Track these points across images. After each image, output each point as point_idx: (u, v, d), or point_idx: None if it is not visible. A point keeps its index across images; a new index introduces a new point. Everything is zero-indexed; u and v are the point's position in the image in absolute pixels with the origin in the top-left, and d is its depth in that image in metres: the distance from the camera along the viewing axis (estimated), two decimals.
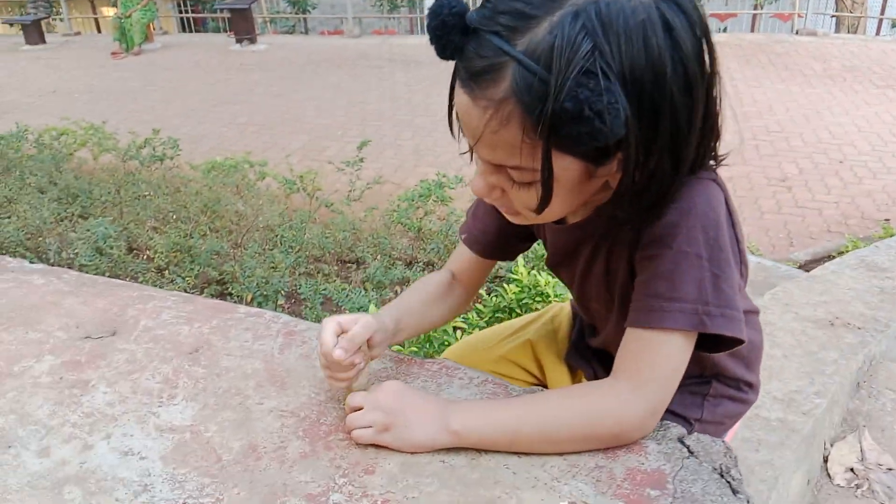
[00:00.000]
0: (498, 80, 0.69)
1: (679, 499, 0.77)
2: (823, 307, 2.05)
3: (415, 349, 1.92)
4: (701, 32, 0.71)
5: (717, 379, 1.02)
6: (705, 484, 0.79)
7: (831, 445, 1.58)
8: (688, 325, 0.79)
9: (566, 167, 0.74)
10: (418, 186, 3.94)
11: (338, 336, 0.88)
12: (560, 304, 1.29)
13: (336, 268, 3.26)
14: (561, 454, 0.83)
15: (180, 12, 14.93)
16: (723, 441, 0.85)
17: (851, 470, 1.52)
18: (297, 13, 15.00)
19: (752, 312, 1.02)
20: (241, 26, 11.42)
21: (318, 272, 3.14)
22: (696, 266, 0.79)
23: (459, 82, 0.74)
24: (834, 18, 12.20)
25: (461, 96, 0.74)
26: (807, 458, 1.47)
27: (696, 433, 0.87)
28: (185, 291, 2.80)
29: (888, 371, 1.78)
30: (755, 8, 13.43)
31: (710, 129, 0.77)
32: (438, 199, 3.79)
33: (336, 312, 2.76)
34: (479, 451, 0.83)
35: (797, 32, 10.10)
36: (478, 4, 0.73)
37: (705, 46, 0.72)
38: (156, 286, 2.76)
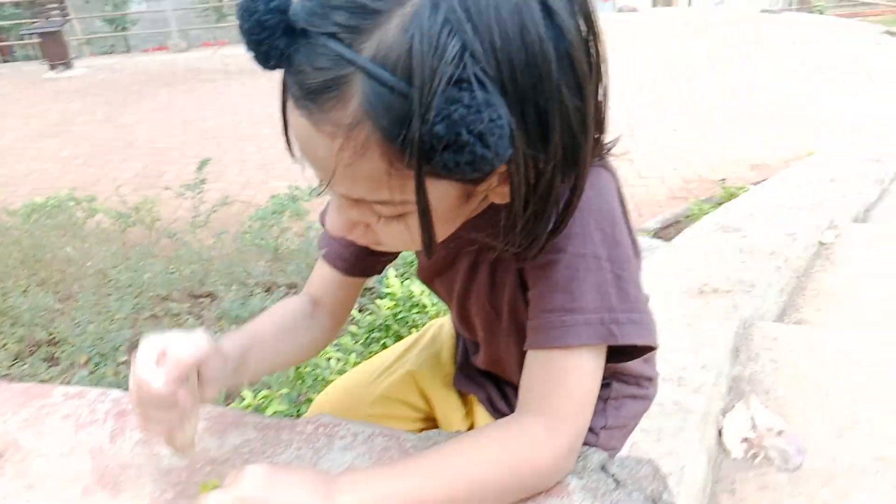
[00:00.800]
0: (344, 100, 0.53)
1: None
2: (691, 275, 2.07)
3: (286, 390, 1.72)
4: (582, 12, 0.57)
5: (616, 379, 0.93)
6: None
7: (723, 417, 1.57)
8: (595, 339, 0.69)
9: (442, 195, 0.60)
10: (270, 203, 3.70)
11: (158, 362, 0.68)
12: (440, 320, 1.16)
13: (187, 304, 2.97)
14: None
15: None
16: (649, 461, 0.76)
17: (746, 440, 1.51)
18: (115, 31, 13.99)
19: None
20: (54, 51, 10.46)
21: (166, 313, 2.84)
22: (596, 269, 0.68)
23: (293, 101, 0.57)
24: None
25: (298, 119, 0.57)
26: (705, 438, 1.45)
27: (618, 457, 0.77)
28: (11, 362, 2.43)
29: (762, 332, 1.81)
30: None
31: (599, 124, 0.65)
32: (294, 213, 3.57)
33: None
34: None
35: (619, 10, 10.68)
36: None
37: (589, 30, 0.58)
38: None
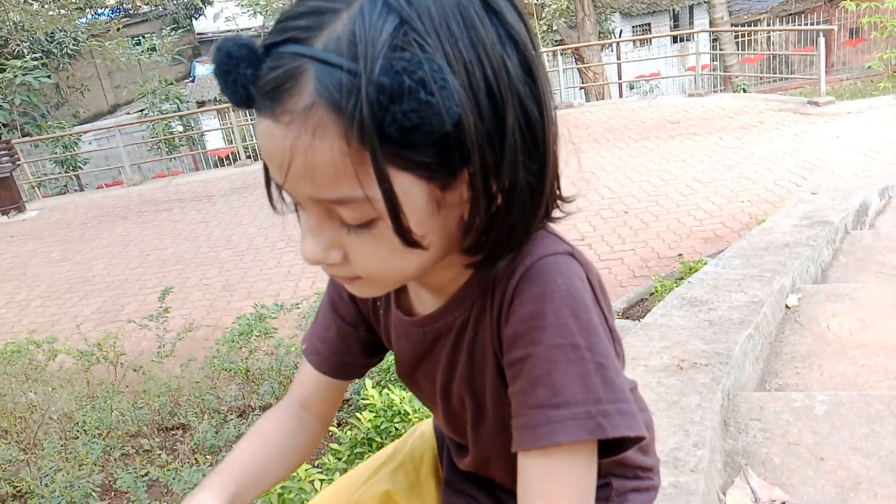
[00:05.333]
0: (299, 88, 0.55)
1: None
2: (667, 353, 2.08)
3: None
4: (520, 15, 0.61)
5: (615, 476, 0.89)
6: None
7: (724, 495, 1.54)
8: (584, 434, 0.65)
9: (407, 190, 0.58)
10: (236, 324, 3.64)
11: None
12: (421, 426, 1.11)
13: (159, 439, 2.85)
14: None
15: None
16: None
17: None
18: (66, 172, 14.06)
19: (632, 389, 0.92)
20: (5, 196, 10.43)
21: (138, 450, 2.71)
22: (576, 359, 0.65)
23: (258, 112, 0.58)
24: (582, 90, 13.76)
25: (262, 126, 0.58)
26: None
27: None
28: None
29: (747, 402, 1.81)
30: None
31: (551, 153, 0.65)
32: (261, 332, 3.51)
33: (167, 497, 2.37)
34: None
35: (556, 108, 11.19)
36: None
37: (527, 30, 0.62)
38: None
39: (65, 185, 14.07)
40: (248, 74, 0.57)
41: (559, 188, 0.68)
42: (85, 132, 14.76)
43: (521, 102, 0.59)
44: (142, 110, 15.24)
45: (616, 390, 0.67)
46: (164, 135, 14.16)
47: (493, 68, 0.57)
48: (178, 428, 2.99)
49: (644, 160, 7.72)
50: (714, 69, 14.44)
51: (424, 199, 0.60)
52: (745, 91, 12.03)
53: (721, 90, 12.98)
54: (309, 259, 0.65)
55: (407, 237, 0.59)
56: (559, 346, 0.65)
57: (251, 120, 13.93)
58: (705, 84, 12.85)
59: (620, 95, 14.05)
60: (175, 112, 14.61)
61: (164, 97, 14.91)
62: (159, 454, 2.63)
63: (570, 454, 0.66)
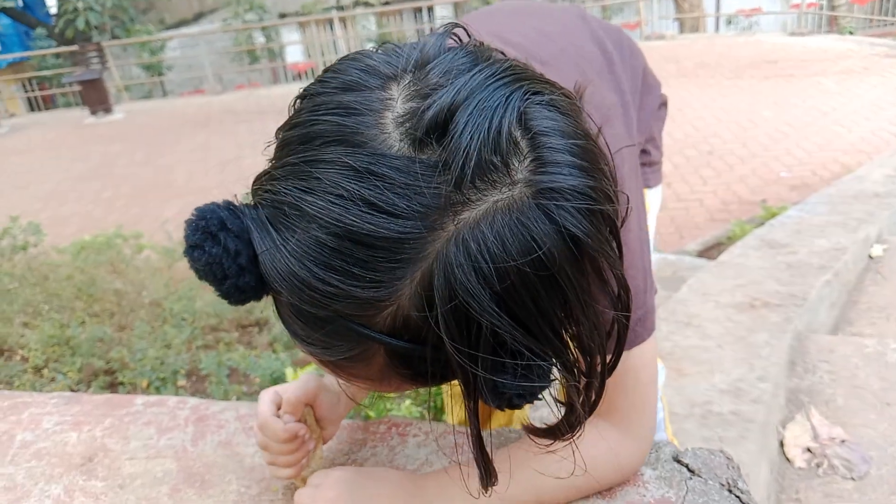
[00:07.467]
0: None
1: None
2: (740, 291, 2.06)
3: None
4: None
5: None
6: None
7: (783, 429, 1.55)
8: (650, 333, 0.72)
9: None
10: None
11: (279, 408, 0.73)
12: None
13: (237, 334, 3.01)
14: None
15: (25, 91, 14.02)
16: (721, 452, 0.77)
17: (808, 450, 1.49)
18: (152, 77, 14.44)
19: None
20: (94, 97, 10.83)
21: (218, 342, 2.88)
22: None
23: None
24: (676, 21, 13.12)
25: None
26: (766, 447, 1.43)
27: (690, 448, 0.78)
28: (70, 389, 2.49)
29: (817, 344, 1.79)
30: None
31: None
32: None
33: (245, 384, 2.53)
34: None
35: (647, 38, 10.72)
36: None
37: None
38: (35, 389, 2.45)
39: (149, 91, 14.46)
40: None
41: None
42: (171, 38, 15.04)
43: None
44: (225, 19, 15.35)
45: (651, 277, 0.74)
46: (247, 45, 14.29)
47: None
48: (254, 325, 3.15)
49: (735, 99, 7.39)
50: (820, 8, 13.50)
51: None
52: (851, 34, 11.23)
53: (826, 31, 12.17)
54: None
55: None
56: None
57: (333, 36, 13.92)
58: (809, 23, 12.05)
59: (717, 30, 13.36)
60: (258, 23, 14.68)
61: (247, 7, 14.96)
62: (238, 347, 2.79)
63: (637, 355, 0.71)
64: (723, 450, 0.78)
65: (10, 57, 14.92)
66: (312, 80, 0.52)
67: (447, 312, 0.45)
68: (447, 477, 0.71)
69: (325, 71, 0.51)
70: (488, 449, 0.52)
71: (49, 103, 14.32)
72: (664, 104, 1.07)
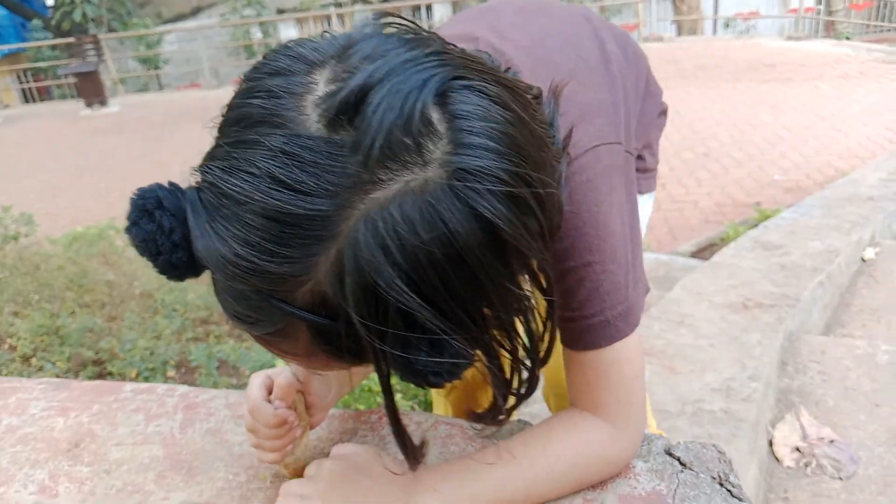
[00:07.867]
0: None
1: None
2: (733, 291, 2.06)
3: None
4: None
5: None
6: (709, 498, 0.69)
7: (773, 428, 1.55)
8: (632, 328, 0.72)
9: None
10: None
11: (269, 392, 0.72)
12: None
13: (227, 326, 3.00)
14: None
15: (20, 83, 13.95)
16: (713, 446, 0.77)
17: (797, 449, 1.49)
18: (148, 70, 14.39)
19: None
20: (90, 90, 10.80)
21: (209, 334, 2.87)
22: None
23: None
24: (674, 23, 13.15)
25: None
26: (756, 447, 1.43)
27: (681, 441, 0.78)
28: (58, 377, 2.48)
29: (808, 345, 1.80)
30: None
31: None
32: None
33: (235, 376, 2.52)
34: None
35: (645, 39, 10.74)
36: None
37: None
38: (23, 377, 2.43)
39: (145, 84, 14.41)
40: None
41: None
42: (168, 32, 14.99)
43: None
44: (223, 14, 15.30)
45: (640, 270, 0.75)
46: (244, 41, 14.25)
47: None
48: None
49: (733, 102, 7.40)
50: (818, 13, 13.54)
51: None
52: (848, 39, 11.28)
53: (823, 36, 12.21)
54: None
55: None
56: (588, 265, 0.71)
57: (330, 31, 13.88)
58: (806, 28, 12.10)
59: (714, 32, 13.40)
60: (256, 18, 14.64)
61: (245, 2, 14.93)
62: (228, 340, 2.78)
63: (619, 350, 0.72)
64: (715, 444, 0.78)
65: (5, 48, 14.87)
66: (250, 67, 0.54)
67: (355, 289, 0.46)
68: (440, 470, 0.71)
69: (262, 58, 0.53)
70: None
71: (44, 95, 14.27)
72: (664, 112, 1.06)
